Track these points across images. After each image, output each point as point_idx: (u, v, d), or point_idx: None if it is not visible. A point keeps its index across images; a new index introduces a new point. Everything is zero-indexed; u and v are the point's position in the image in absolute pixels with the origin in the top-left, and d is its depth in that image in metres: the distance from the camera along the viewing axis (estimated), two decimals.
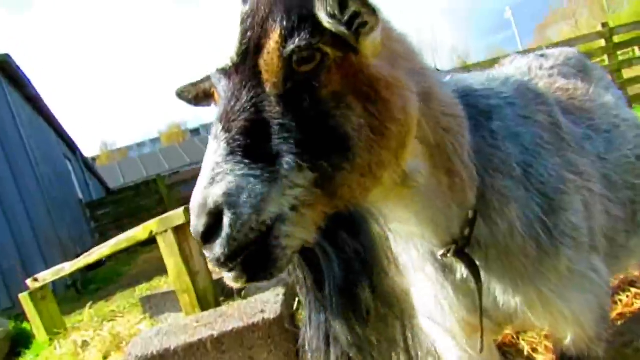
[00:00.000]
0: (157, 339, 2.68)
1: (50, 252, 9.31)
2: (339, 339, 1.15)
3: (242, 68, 1.01)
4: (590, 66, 2.15)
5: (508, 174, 1.34)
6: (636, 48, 12.01)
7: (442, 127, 1.26)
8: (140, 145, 58.19)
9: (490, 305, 1.39)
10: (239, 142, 0.96)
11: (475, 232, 1.30)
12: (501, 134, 1.38)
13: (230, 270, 0.96)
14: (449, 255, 1.31)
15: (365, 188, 1.07)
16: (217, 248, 0.93)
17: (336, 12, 0.98)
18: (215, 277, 3.59)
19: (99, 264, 10.03)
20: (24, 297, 4.69)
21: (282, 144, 0.97)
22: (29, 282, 4.74)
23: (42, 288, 4.72)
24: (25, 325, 5.66)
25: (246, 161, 0.95)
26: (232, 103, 1.00)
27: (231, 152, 0.95)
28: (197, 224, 0.93)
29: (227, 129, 0.97)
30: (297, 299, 2.85)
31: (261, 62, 1.00)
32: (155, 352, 2.54)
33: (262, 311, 2.62)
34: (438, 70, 1.58)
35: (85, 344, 4.11)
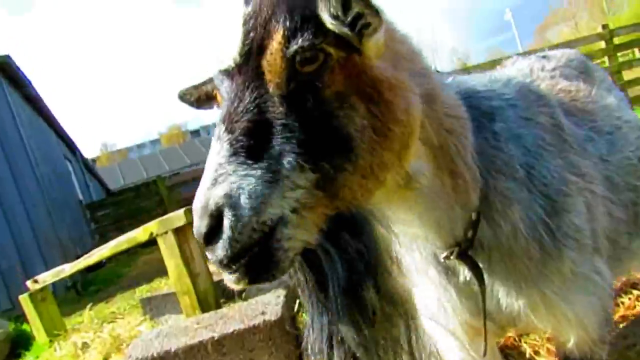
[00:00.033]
0: (157, 340, 2.67)
1: (50, 253, 9.30)
2: (346, 339, 1.14)
3: (245, 69, 1.01)
4: (592, 68, 2.15)
5: (511, 175, 1.33)
6: (636, 50, 11.98)
7: (445, 129, 1.25)
8: (140, 146, 58.29)
9: (493, 308, 1.38)
10: (241, 143, 0.96)
11: (478, 234, 1.30)
12: (504, 136, 1.37)
13: (232, 272, 0.96)
14: (452, 257, 1.31)
15: (367, 190, 1.07)
16: (219, 250, 0.93)
17: (339, 13, 0.97)
18: (215, 278, 3.58)
19: (99, 265, 9.98)
20: (24, 299, 4.68)
21: (284, 144, 0.97)
22: (29, 283, 4.73)
23: (42, 289, 4.72)
24: (25, 326, 5.64)
25: (249, 162, 0.94)
26: (235, 104, 0.99)
27: (234, 153, 0.95)
28: (200, 225, 0.93)
29: (230, 130, 0.97)
30: (298, 301, 2.84)
31: (264, 63, 1.00)
32: (155, 354, 2.54)
33: (263, 313, 2.62)
34: (439, 72, 1.58)
35: (85, 345, 4.10)
